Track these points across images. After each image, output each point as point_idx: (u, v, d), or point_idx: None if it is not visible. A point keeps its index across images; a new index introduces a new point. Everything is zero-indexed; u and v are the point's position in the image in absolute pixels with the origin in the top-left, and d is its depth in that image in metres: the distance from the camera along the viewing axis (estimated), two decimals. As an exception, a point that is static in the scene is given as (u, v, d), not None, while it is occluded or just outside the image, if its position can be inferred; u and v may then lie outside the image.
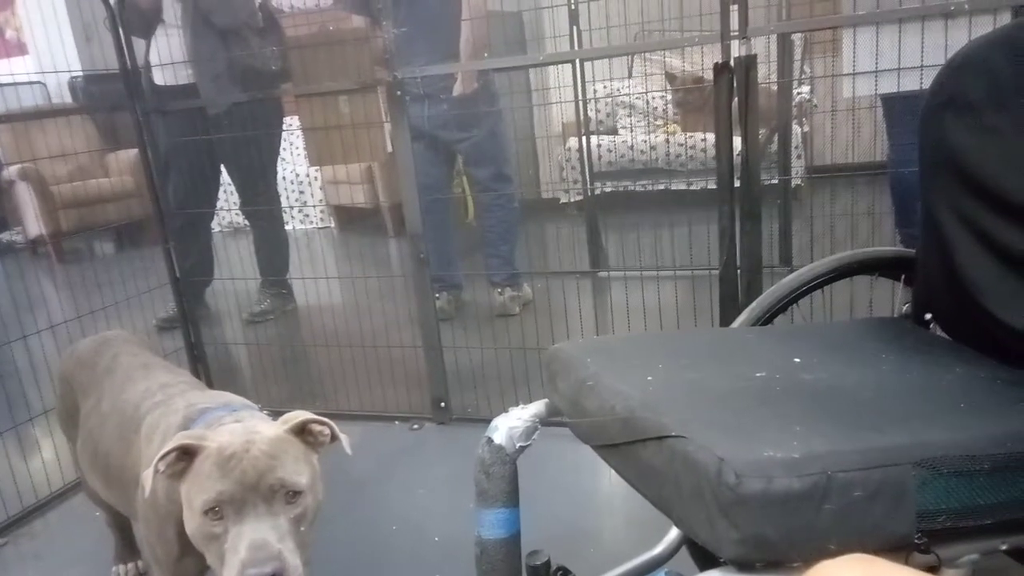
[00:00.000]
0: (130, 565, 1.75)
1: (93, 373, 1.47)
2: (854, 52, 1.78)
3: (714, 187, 1.87)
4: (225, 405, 1.18)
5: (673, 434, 0.80)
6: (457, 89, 2.96)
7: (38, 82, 5.91)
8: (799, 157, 4.19)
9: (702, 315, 2.37)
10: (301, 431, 1.08)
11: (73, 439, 1.58)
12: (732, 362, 1.03)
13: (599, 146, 4.83)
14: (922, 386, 0.94)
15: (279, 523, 0.98)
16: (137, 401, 1.30)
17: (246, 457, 0.99)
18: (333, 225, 5.70)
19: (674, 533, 1.26)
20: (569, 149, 4.95)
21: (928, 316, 1.20)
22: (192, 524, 1.01)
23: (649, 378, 0.96)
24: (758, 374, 0.97)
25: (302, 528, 1.02)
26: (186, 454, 1.02)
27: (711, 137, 1.83)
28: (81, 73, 5.82)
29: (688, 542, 1.26)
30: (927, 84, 1.17)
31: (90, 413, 1.41)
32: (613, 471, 0.95)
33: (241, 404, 1.21)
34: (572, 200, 4.80)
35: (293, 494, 1.00)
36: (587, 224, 3.78)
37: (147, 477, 1.01)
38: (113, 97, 2.86)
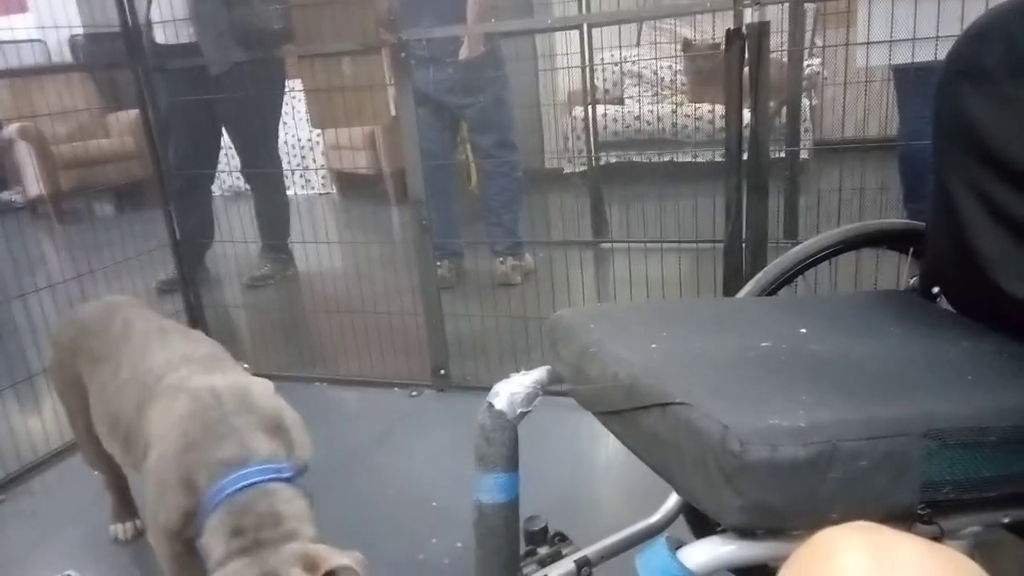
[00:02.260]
0: (128, 524, 1.76)
1: (106, 339, 1.44)
2: (868, 21, 1.74)
3: (720, 159, 1.84)
4: (243, 472, 1.11)
5: (677, 401, 0.79)
6: (463, 53, 2.92)
7: (38, 40, 5.83)
8: (807, 131, 4.15)
9: (705, 288, 2.36)
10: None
11: (73, 405, 1.58)
12: (737, 331, 1.01)
13: (605, 115, 4.78)
14: (928, 358, 0.93)
15: None
16: (159, 372, 1.29)
17: None
18: (335, 191, 5.67)
19: (672, 502, 1.26)
20: (574, 118, 4.90)
21: (935, 290, 1.18)
22: None
23: (653, 346, 0.95)
24: (763, 344, 0.95)
25: None
26: None
27: (719, 109, 1.80)
28: (81, 30, 5.74)
29: (686, 510, 1.26)
30: (942, 55, 1.14)
31: (107, 380, 1.39)
32: (612, 440, 0.94)
33: (263, 465, 1.13)
34: (576, 170, 4.76)
35: None
36: (591, 194, 3.75)
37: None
38: (114, 55, 2.82)
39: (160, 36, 3.18)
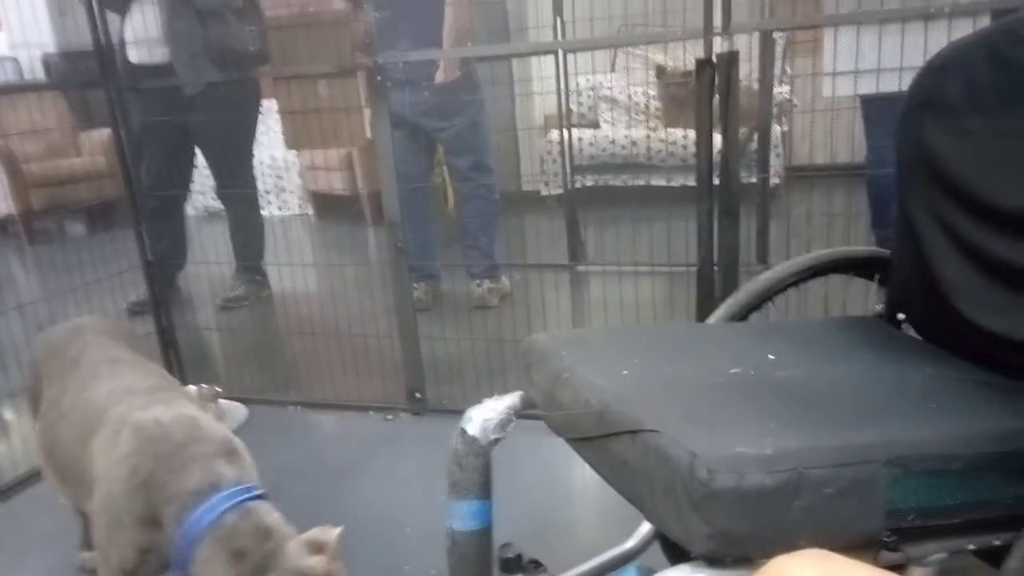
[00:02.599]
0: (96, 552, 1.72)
1: (61, 363, 1.42)
2: (835, 52, 1.78)
3: (693, 184, 1.87)
4: (220, 496, 1.12)
5: (647, 428, 0.80)
6: (439, 77, 2.93)
7: (10, 57, 5.77)
8: (778, 156, 4.22)
9: (679, 311, 2.38)
10: None
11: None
12: (707, 357, 1.03)
13: (580, 139, 4.83)
14: (894, 385, 0.95)
15: None
16: (101, 404, 1.26)
17: None
18: (311, 212, 5.65)
19: (645, 528, 1.26)
20: (550, 142, 4.94)
21: (901, 316, 1.20)
22: None
23: (624, 372, 0.96)
24: (733, 370, 0.97)
25: None
26: None
27: (692, 134, 1.83)
28: (55, 49, 5.69)
29: (660, 537, 1.26)
30: (906, 85, 1.17)
31: (52, 405, 1.37)
32: (586, 465, 0.94)
33: (235, 487, 1.14)
34: (552, 193, 4.79)
35: None
36: (567, 217, 3.78)
37: None
38: (86, 74, 2.80)
39: (134, 56, 3.16)
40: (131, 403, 1.24)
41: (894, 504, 0.74)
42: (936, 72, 1.12)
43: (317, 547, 1.11)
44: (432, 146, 3.29)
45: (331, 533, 1.12)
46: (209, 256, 2.93)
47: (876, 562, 0.73)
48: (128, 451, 1.15)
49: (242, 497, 1.12)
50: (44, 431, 1.39)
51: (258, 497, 1.14)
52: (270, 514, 1.13)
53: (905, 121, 1.15)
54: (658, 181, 4.49)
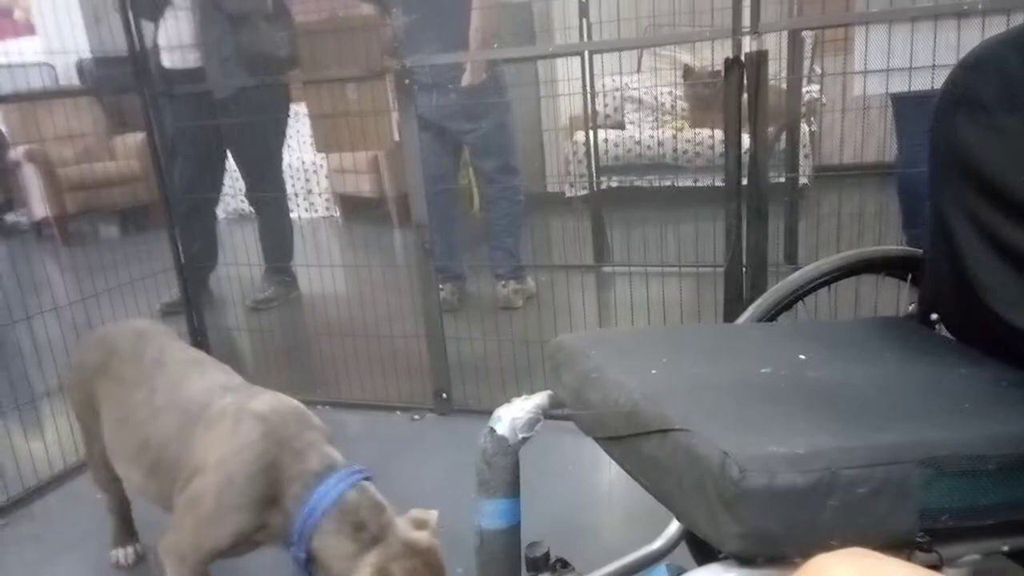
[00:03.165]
0: (128, 548, 1.75)
1: (139, 365, 1.48)
2: (866, 50, 1.76)
3: (721, 184, 1.86)
4: (337, 476, 1.27)
5: (677, 427, 0.80)
6: (466, 79, 2.95)
7: (46, 64, 5.90)
8: (806, 156, 4.18)
9: (706, 312, 2.37)
10: None
11: (89, 425, 1.59)
12: (737, 358, 1.02)
13: (606, 140, 4.82)
14: (927, 386, 0.94)
15: None
16: (202, 400, 1.36)
17: None
18: (338, 214, 5.70)
19: (673, 528, 1.26)
20: (576, 143, 4.94)
21: (934, 316, 1.19)
22: None
23: (653, 371, 0.96)
24: (763, 370, 0.96)
25: None
26: None
27: (719, 134, 1.82)
28: (89, 55, 5.81)
29: (687, 537, 1.26)
30: (939, 84, 1.16)
31: (138, 406, 1.42)
32: (613, 466, 0.94)
33: (347, 469, 1.30)
34: (578, 194, 4.79)
35: None
36: (592, 219, 3.77)
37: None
38: (121, 80, 2.85)
39: (167, 61, 3.22)
40: (236, 397, 1.35)
41: (927, 504, 0.74)
42: (970, 70, 1.11)
43: (419, 524, 1.28)
44: (458, 148, 3.31)
45: (431, 513, 1.31)
46: (239, 258, 2.97)
47: (910, 563, 0.73)
48: (253, 438, 1.26)
49: (357, 477, 1.27)
50: (129, 430, 1.43)
51: (366, 478, 1.29)
52: (377, 492, 1.29)
53: (938, 119, 1.14)
54: (684, 182, 4.46)
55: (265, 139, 3.27)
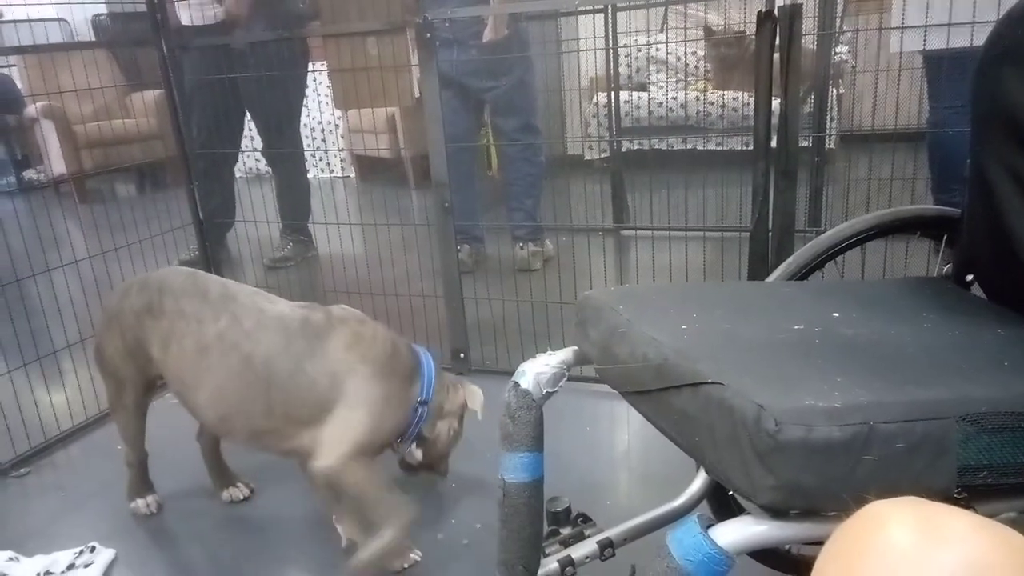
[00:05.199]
0: (149, 498, 1.77)
1: (205, 299, 1.52)
2: (904, 4, 1.70)
3: (743, 148, 1.82)
4: (428, 365, 1.58)
5: (710, 381, 0.78)
6: (487, 35, 2.90)
7: (62, 19, 5.86)
8: (833, 120, 4.09)
9: (729, 276, 2.34)
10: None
11: (123, 374, 1.60)
12: (768, 314, 1.00)
13: (627, 102, 4.75)
14: (964, 344, 0.92)
15: None
16: (294, 315, 1.50)
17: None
18: (354, 175, 5.68)
19: (696, 485, 1.25)
20: (596, 104, 4.87)
21: (969, 277, 1.16)
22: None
23: (683, 327, 0.95)
24: (795, 327, 0.94)
25: None
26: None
27: (743, 96, 1.78)
28: (105, 10, 5.77)
29: (710, 495, 1.26)
30: (979, 41, 1.12)
31: (225, 331, 1.48)
32: (634, 426, 0.94)
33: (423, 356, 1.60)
34: (598, 156, 4.73)
35: None
36: (612, 181, 3.73)
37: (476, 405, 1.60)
38: (136, 35, 2.83)
39: (185, 17, 3.18)
40: (318, 310, 1.52)
41: (966, 461, 0.72)
42: (1016, 21, 1.06)
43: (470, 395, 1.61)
44: (480, 106, 3.26)
45: (477, 397, 1.60)
46: (257, 217, 2.96)
47: (966, 511, 0.72)
48: (371, 343, 1.48)
49: (429, 365, 1.57)
50: (211, 358, 1.47)
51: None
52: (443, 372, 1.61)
53: (981, 74, 1.10)
54: (707, 145, 4.39)
55: (284, 95, 3.24)
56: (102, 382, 1.67)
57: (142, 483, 1.77)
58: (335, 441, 1.40)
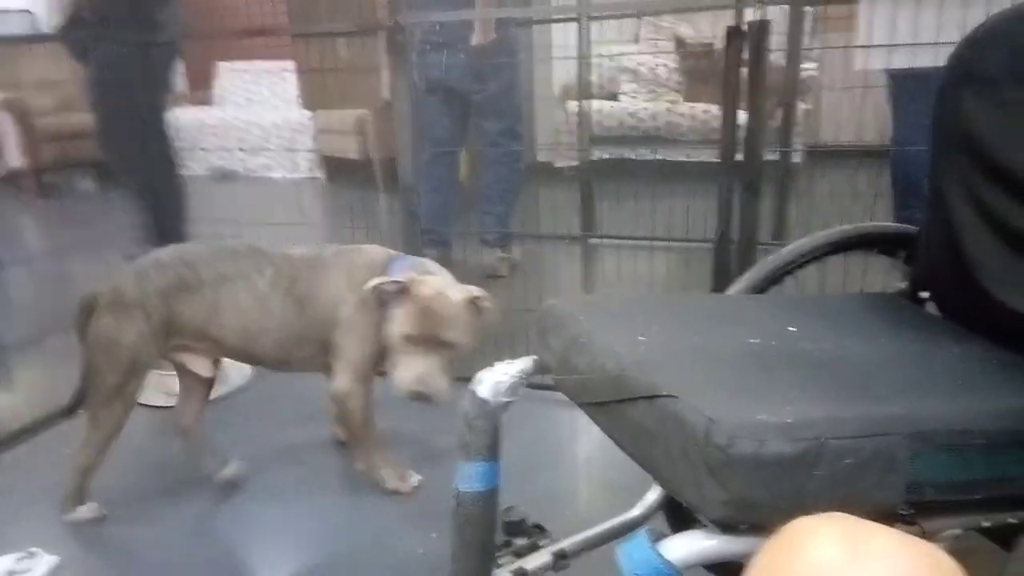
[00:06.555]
0: (93, 504, 1.70)
1: (237, 259, 1.65)
2: (871, 24, 1.73)
3: (712, 160, 1.84)
4: (404, 256, 1.71)
5: (664, 393, 0.78)
6: (475, 39, 2.89)
7: (25, 10, 5.73)
8: (799, 135, 4.15)
9: (692, 288, 2.35)
10: (472, 301, 1.58)
11: (132, 356, 1.57)
12: (727, 327, 1.01)
13: (599, 111, 4.77)
14: (918, 361, 0.93)
15: (443, 362, 1.55)
16: (315, 254, 1.68)
17: (437, 315, 1.53)
18: (323, 176, 5.62)
19: (651, 497, 1.25)
20: (567, 112, 4.88)
21: (924, 295, 1.18)
22: (392, 338, 1.57)
23: (642, 338, 0.94)
24: (752, 340, 0.95)
25: (453, 361, 1.57)
26: (402, 288, 1.54)
27: (713, 108, 1.80)
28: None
29: (665, 506, 1.25)
30: (942, 61, 1.13)
31: (278, 280, 1.64)
32: (592, 435, 0.93)
33: (416, 259, 1.72)
34: (568, 164, 4.74)
35: (455, 346, 1.55)
36: (581, 190, 3.73)
37: (376, 281, 1.55)
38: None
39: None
40: (329, 248, 1.71)
41: (914, 477, 0.72)
42: (977, 44, 1.08)
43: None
44: (466, 112, 3.24)
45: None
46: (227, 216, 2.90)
47: (892, 528, 0.72)
48: (375, 266, 1.66)
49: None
50: (269, 307, 1.63)
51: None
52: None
53: (943, 95, 1.11)
54: (676, 156, 4.43)
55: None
56: (99, 378, 1.59)
57: (82, 492, 1.70)
58: (339, 368, 1.64)
